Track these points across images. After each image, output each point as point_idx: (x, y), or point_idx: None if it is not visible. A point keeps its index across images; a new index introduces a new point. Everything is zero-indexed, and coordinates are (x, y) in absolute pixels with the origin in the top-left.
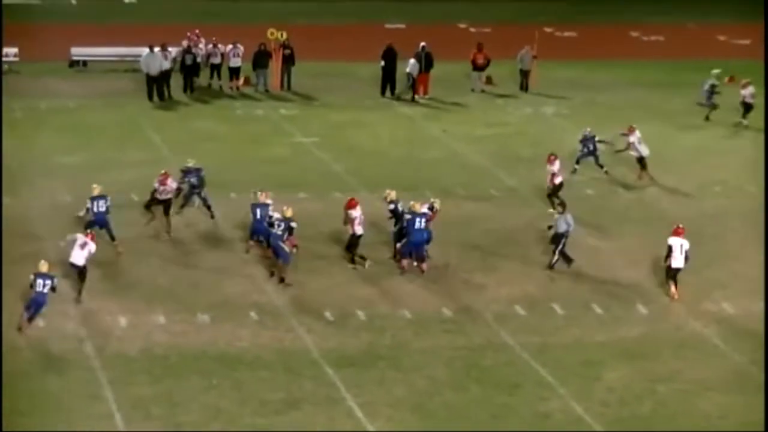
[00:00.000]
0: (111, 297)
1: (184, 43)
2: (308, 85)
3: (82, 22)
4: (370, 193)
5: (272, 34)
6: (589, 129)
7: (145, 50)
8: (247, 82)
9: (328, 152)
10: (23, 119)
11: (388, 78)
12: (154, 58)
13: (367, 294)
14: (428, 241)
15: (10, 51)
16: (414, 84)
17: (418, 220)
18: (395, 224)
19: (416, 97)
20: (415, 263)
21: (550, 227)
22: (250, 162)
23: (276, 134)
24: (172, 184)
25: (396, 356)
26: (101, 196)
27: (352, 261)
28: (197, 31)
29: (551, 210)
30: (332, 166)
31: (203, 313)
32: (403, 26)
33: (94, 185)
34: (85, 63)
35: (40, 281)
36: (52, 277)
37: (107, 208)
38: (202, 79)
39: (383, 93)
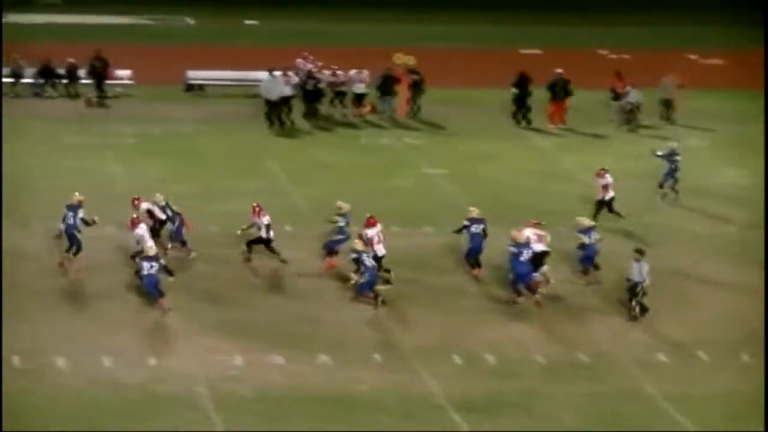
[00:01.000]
0: (225, 335)
1: (307, 66)
2: (436, 113)
3: (199, 44)
4: (501, 228)
5: (399, 58)
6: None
7: (265, 74)
8: (373, 109)
9: (456, 185)
10: (136, 145)
11: (520, 106)
12: (275, 83)
13: (497, 336)
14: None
15: (124, 73)
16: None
17: (525, 251)
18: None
19: (550, 126)
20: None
21: (628, 279)
22: (372, 194)
23: (401, 165)
24: (263, 218)
25: (526, 403)
26: (77, 206)
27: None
28: (311, 57)
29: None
30: (460, 200)
31: (323, 353)
32: (538, 52)
33: (75, 193)
34: (201, 87)
35: (145, 264)
36: (158, 259)
37: (78, 220)
38: (325, 105)
39: (516, 122)
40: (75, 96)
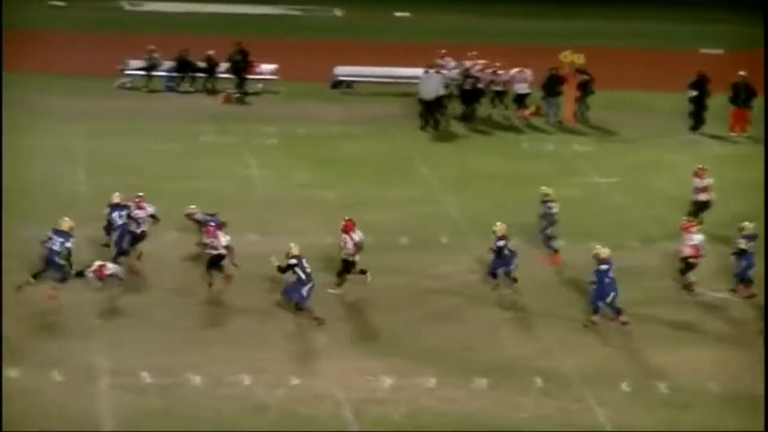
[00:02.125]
0: (372, 354)
1: (465, 64)
2: (605, 118)
3: (348, 38)
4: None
5: (566, 57)
6: None
7: (420, 71)
8: (537, 112)
9: (627, 196)
10: (278, 147)
11: (698, 111)
12: (430, 81)
13: (669, 362)
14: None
15: (267, 68)
16: None
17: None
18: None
19: (731, 134)
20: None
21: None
22: (535, 204)
23: (567, 173)
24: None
25: None
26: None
27: (339, 285)
28: (471, 54)
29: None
30: (631, 212)
31: (479, 377)
32: (720, 52)
33: (65, 218)
34: (350, 84)
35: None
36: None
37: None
38: (484, 107)
39: (694, 128)
40: (213, 91)
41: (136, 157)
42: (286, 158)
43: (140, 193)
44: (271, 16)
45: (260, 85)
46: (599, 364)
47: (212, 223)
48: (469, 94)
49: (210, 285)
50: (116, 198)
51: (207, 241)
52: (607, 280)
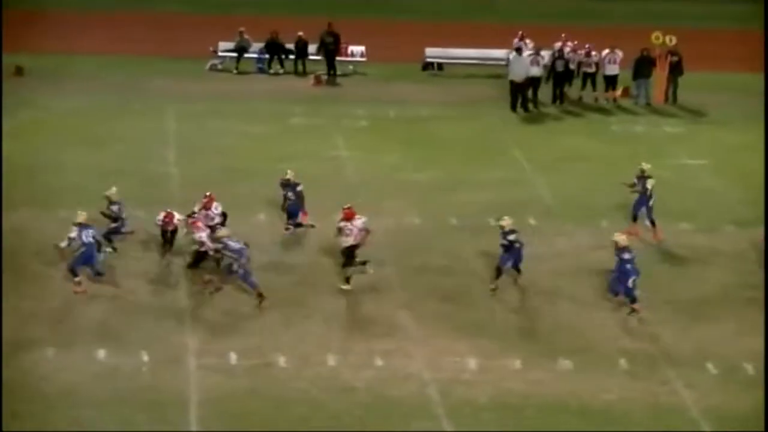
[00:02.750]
0: (458, 335)
1: (556, 45)
2: (696, 99)
3: (439, 19)
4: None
5: (657, 38)
6: None
7: (510, 53)
8: (626, 93)
9: (718, 178)
10: (368, 129)
11: None
12: (521, 63)
13: (757, 344)
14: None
15: (357, 50)
16: None
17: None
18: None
19: None
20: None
21: None
22: (623, 186)
23: (657, 155)
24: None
25: None
26: (87, 225)
27: (347, 281)
28: (563, 34)
29: None
30: (723, 195)
31: (565, 358)
32: None
33: (80, 211)
34: (440, 66)
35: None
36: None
37: (95, 238)
38: (574, 88)
39: None
40: (303, 73)
41: (226, 139)
42: (376, 140)
43: (207, 193)
44: None
45: (351, 67)
46: (686, 346)
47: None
48: (560, 75)
49: (206, 283)
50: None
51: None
52: (628, 266)
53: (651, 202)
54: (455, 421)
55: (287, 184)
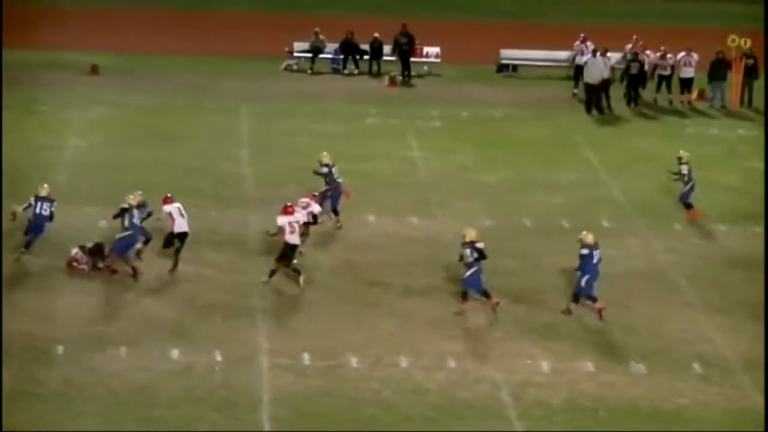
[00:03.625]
0: (531, 339)
1: (628, 47)
2: None
3: (515, 20)
4: None
5: (733, 41)
6: None
7: (585, 56)
8: (701, 95)
9: None
10: (442, 129)
11: None
12: (596, 65)
13: None
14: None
15: (431, 51)
16: None
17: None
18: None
19: None
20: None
21: None
22: (701, 188)
23: (730, 157)
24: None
25: None
26: (47, 198)
27: (271, 274)
28: (634, 36)
29: None
30: None
31: (637, 362)
32: None
33: (45, 185)
34: (515, 67)
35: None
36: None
37: (51, 213)
38: (648, 90)
39: None
40: (378, 74)
41: (299, 138)
42: (449, 141)
43: (316, 193)
44: None
45: (425, 68)
46: (759, 351)
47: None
48: (635, 77)
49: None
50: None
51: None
52: (589, 265)
53: (688, 186)
54: (527, 424)
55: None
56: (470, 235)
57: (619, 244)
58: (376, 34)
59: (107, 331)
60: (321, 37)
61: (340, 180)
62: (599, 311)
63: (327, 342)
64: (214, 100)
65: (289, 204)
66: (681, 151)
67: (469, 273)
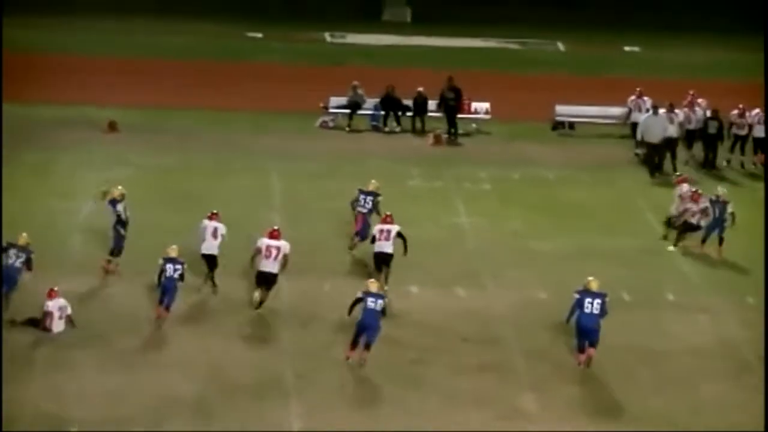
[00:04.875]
0: (591, 422)
1: (701, 103)
2: None
3: (571, 74)
4: None
5: None
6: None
7: (644, 113)
8: None
9: None
10: (492, 192)
11: None
12: (657, 122)
13: None
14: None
15: (481, 106)
16: None
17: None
18: None
19: None
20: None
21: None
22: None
23: None
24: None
25: None
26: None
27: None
28: (692, 91)
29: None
30: None
31: None
32: None
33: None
34: (572, 125)
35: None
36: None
37: (181, 275)
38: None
39: None
40: (422, 131)
41: (337, 202)
42: (499, 205)
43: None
44: (485, 50)
45: (473, 125)
46: None
47: None
48: (712, 137)
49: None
50: (172, 252)
51: None
52: (579, 311)
53: (725, 224)
54: None
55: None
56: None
57: (685, 318)
58: (420, 89)
59: (124, 412)
60: (360, 91)
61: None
62: (581, 362)
63: (366, 424)
64: (242, 160)
65: (275, 228)
66: (719, 188)
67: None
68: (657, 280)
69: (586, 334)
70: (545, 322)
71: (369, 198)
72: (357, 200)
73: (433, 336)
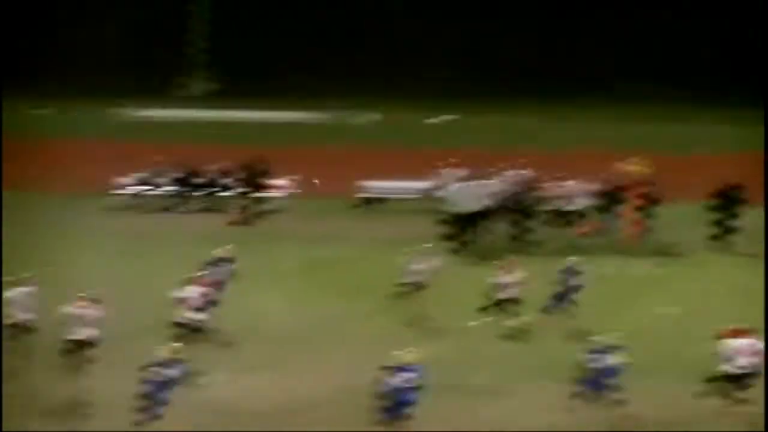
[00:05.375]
0: None
1: (519, 175)
2: (674, 235)
3: (380, 147)
4: None
5: (630, 164)
6: None
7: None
8: (594, 228)
9: (696, 330)
10: (299, 272)
11: None
12: (466, 193)
13: None
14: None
15: (283, 183)
16: None
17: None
18: None
19: None
20: None
21: None
22: None
23: (628, 301)
24: None
25: None
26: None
27: None
28: (520, 162)
29: None
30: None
31: None
32: None
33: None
34: (381, 200)
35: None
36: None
37: None
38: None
39: None
40: (221, 210)
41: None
42: (308, 286)
43: None
44: (289, 123)
45: (276, 202)
46: None
47: None
48: (525, 210)
49: None
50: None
51: None
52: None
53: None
54: None
55: None
56: None
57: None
58: (219, 165)
59: None
60: (157, 169)
61: None
62: None
63: None
64: None
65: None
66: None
67: None
68: None
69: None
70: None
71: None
72: None
73: None
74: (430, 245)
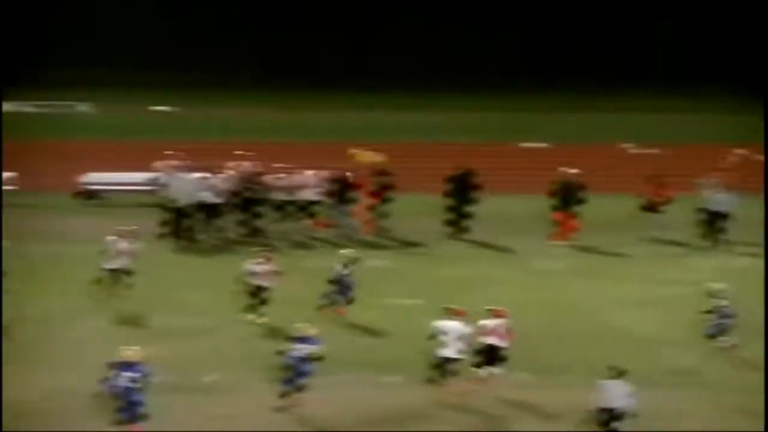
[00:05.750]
0: None
1: (244, 167)
2: (409, 227)
3: (101, 138)
4: None
5: (360, 155)
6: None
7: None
8: (325, 222)
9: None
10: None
11: None
12: (186, 184)
13: None
14: None
15: (6, 176)
16: None
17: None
18: None
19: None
20: None
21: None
22: (331, 332)
23: (362, 293)
24: None
25: None
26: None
27: None
28: (248, 153)
29: None
30: None
31: None
32: (543, 145)
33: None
34: (101, 193)
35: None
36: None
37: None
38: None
39: None
40: None
41: None
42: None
43: None
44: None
45: None
46: None
47: None
48: (250, 202)
49: None
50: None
51: None
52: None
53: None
54: None
55: None
56: None
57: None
58: None
59: None
60: None
61: None
62: None
63: None
64: None
65: None
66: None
67: None
68: None
69: None
70: None
71: None
72: None
73: None
74: (136, 228)
